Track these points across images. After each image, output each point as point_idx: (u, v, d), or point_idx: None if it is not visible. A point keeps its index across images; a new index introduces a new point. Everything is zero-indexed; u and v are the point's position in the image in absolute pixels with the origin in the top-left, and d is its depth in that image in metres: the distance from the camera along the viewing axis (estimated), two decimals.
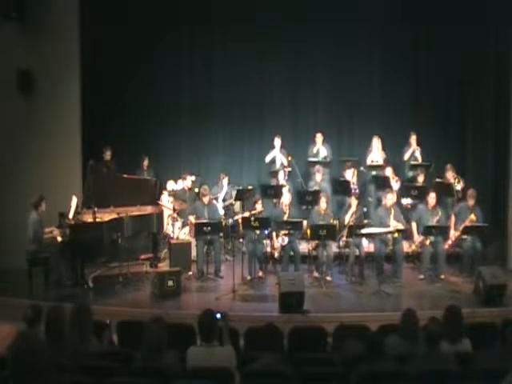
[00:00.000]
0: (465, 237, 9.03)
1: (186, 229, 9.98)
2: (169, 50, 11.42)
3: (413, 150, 10.85)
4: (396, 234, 8.81)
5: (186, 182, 10.56)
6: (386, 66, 11.56)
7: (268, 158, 11.08)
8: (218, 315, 4.83)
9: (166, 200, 10.39)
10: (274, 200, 10.13)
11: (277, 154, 11.03)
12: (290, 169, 10.91)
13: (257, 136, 11.88)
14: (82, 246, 8.44)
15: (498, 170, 10.87)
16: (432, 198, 9.13)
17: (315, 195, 9.57)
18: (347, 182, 10.14)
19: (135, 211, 9.26)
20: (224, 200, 10.73)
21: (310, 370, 4.51)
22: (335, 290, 8.65)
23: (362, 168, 10.93)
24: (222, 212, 10.23)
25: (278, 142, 11.00)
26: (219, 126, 11.87)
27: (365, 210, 9.99)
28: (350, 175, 10.52)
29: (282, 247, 9.08)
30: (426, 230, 8.82)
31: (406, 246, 9.43)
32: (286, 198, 9.48)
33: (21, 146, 9.79)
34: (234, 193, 10.37)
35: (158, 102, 11.50)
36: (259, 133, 11.85)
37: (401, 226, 8.90)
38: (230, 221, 10.09)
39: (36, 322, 4.80)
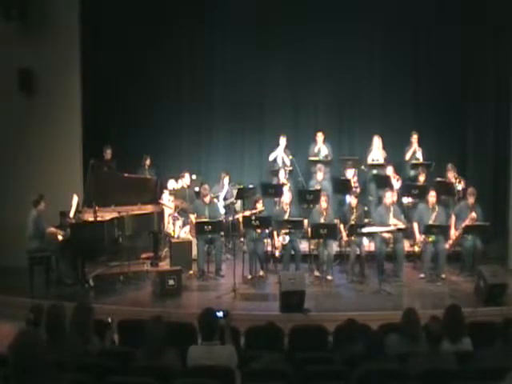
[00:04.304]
0: (465, 236, 9.03)
1: (187, 228, 9.99)
2: (169, 50, 11.43)
3: (414, 150, 10.84)
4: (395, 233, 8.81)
5: (185, 180, 10.57)
6: (387, 65, 11.54)
7: (272, 157, 11.06)
8: (221, 313, 4.83)
9: (166, 199, 10.38)
10: (275, 199, 10.13)
11: (280, 154, 11.03)
12: (290, 168, 10.91)
13: (257, 135, 11.88)
14: (82, 244, 8.45)
15: (498, 170, 10.86)
16: (432, 196, 9.10)
17: (316, 194, 9.56)
18: (348, 181, 10.14)
19: (136, 210, 9.24)
20: (225, 199, 10.73)
21: (311, 368, 4.51)
22: (336, 289, 8.65)
23: (362, 167, 10.92)
24: (222, 211, 10.23)
25: (283, 141, 10.97)
26: (220, 125, 11.86)
27: (366, 208, 9.98)
28: (351, 174, 10.52)
29: (283, 246, 9.08)
30: (427, 229, 8.82)
31: (407, 245, 9.42)
32: (287, 196, 9.47)
33: (21, 144, 9.80)
34: (234, 192, 10.37)
35: (158, 101, 11.50)
36: (260, 132, 11.87)
37: (401, 225, 8.90)
38: (231, 219, 10.09)
39: (39, 324, 4.80)
